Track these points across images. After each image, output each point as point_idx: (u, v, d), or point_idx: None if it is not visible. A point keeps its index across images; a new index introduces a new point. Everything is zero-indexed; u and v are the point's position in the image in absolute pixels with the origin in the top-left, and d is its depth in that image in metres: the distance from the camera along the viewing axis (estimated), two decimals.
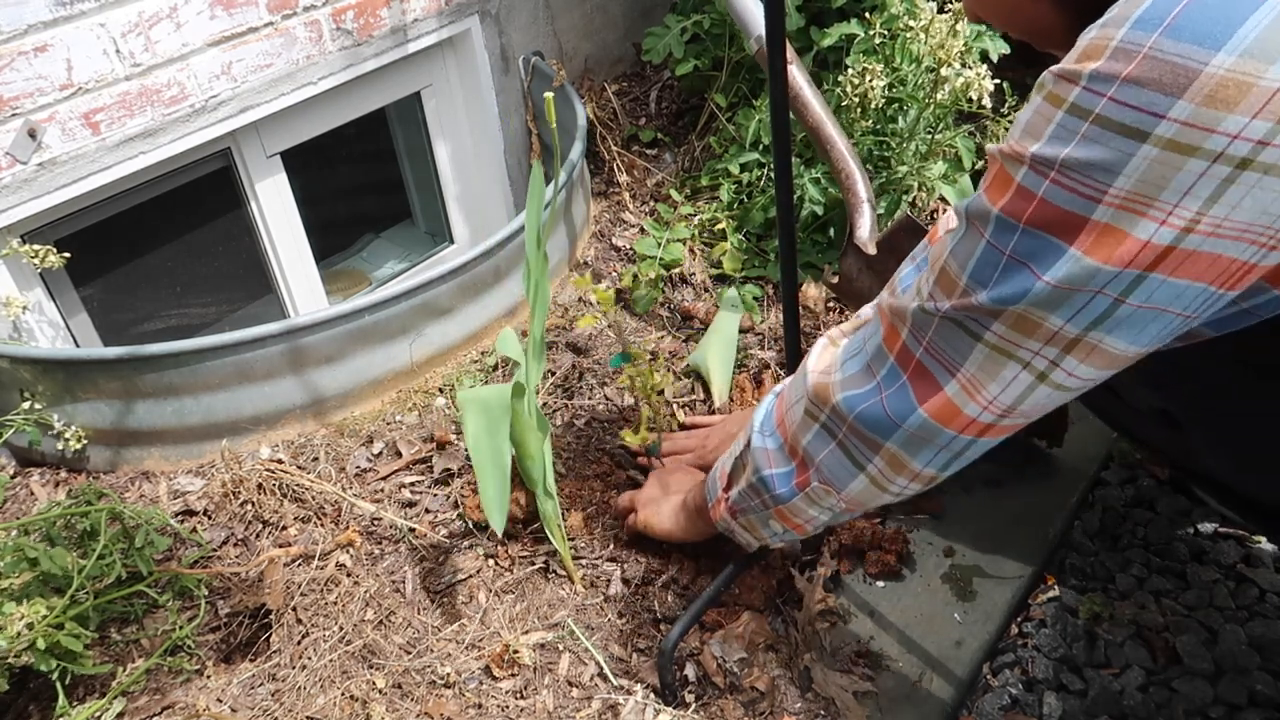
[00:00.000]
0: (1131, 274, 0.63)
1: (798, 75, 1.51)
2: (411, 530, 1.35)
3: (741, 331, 1.70)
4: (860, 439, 0.87)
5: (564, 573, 1.27)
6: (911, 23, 1.60)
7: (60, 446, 1.46)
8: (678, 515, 1.22)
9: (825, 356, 0.94)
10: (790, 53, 1.51)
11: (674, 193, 1.97)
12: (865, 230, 1.48)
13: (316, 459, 1.48)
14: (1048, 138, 0.64)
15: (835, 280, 1.53)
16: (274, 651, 1.21)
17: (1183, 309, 0.66)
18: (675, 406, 1.53)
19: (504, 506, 1.13)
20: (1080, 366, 0.71)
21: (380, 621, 1.23)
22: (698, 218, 1.89)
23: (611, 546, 1.31)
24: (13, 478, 1.50)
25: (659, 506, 1.25)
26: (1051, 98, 0.64)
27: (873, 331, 0.87)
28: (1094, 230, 0.63)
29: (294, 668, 1.19)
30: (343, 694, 1.15)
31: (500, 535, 1.21)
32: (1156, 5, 0.58)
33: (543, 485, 1.23)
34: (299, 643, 1.21)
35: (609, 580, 1.27)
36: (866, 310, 1.02)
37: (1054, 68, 0.64)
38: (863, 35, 1.76)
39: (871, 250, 1.45)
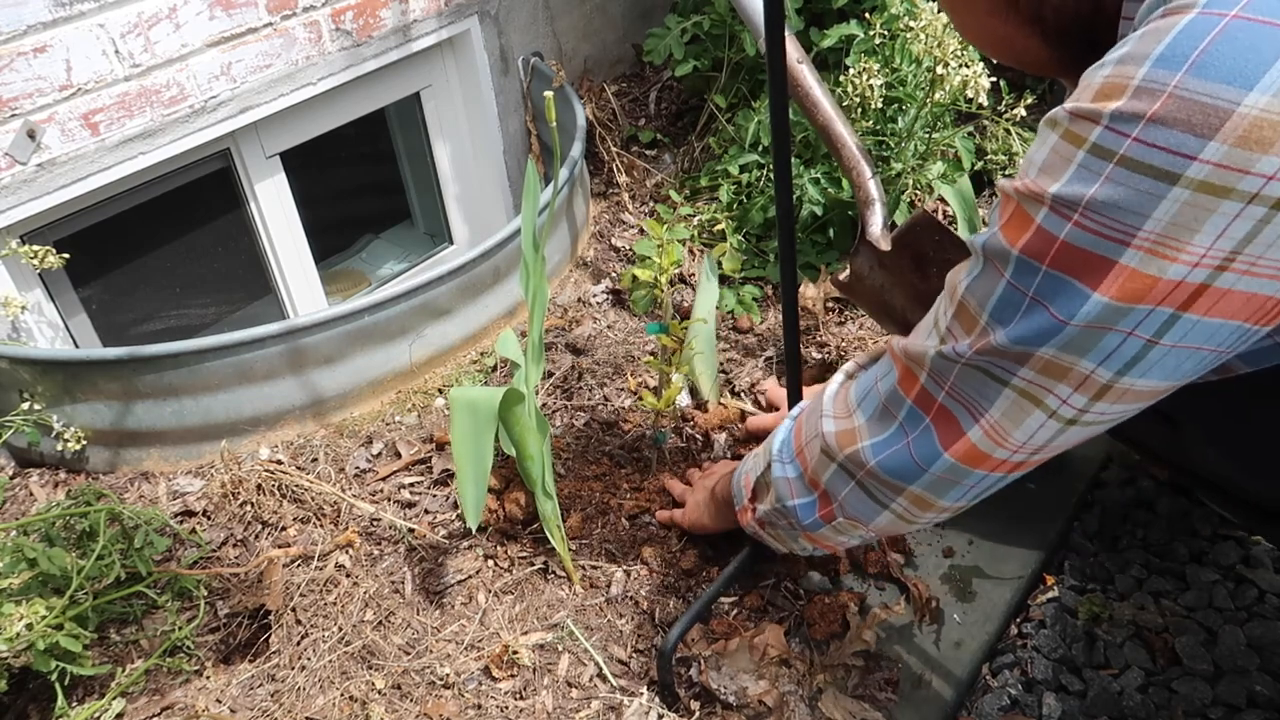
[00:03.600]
0: (1165, 313, 0.61)
1: (807, 74, 1.51)
2: (411, 531, 1.35)
3: (741, 332, 1.70)
4: (881, 483, 0.86)
5: (563, 573, 1.27)
6: (912, 23, 1.60)
7: (59, 447, 1.46)
8: (707, 505, 1.23)
9: (841, 397, 0.92)
10: (799, 51, 1.51)
11: (673, 193, 1.97)
12: (877, 227, 1.48)
13: (316, 460, 1.48)
14: (1068, 178, 0.61)
15: (844, 278, 1.53)
16: (273, 652, 1.21)
17: (1216, 345, 0.64)
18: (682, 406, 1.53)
19: (480, 507, 1.14)
20: (1112, 407, 0.69)
21: (379, 622, 1.23)
22: (697, 218, 1.89)
23: (611, 547, 1.31)
24: (12, 478, 1.50)
25: (696, 504, 1.26)
26: (1070, 136, 0.62)
27: (885, 372, 0.85)
28: (1121, 273, 0.61)
29: (293, 668, 1.19)
30: (342, 694, 1.15)
31: (475, 532, 1.22)
32: (1177, 43, 0.56)
33: (542, 485, 1.23)
34: (298, 643, 1.21)
35: (609, 581, 1.27)
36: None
37: (1067, 105, 0.62)
38: (862, 36, 1.76)
39: (885, 246, 1.45)
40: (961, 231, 1.60)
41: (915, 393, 0.80)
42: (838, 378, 0.96)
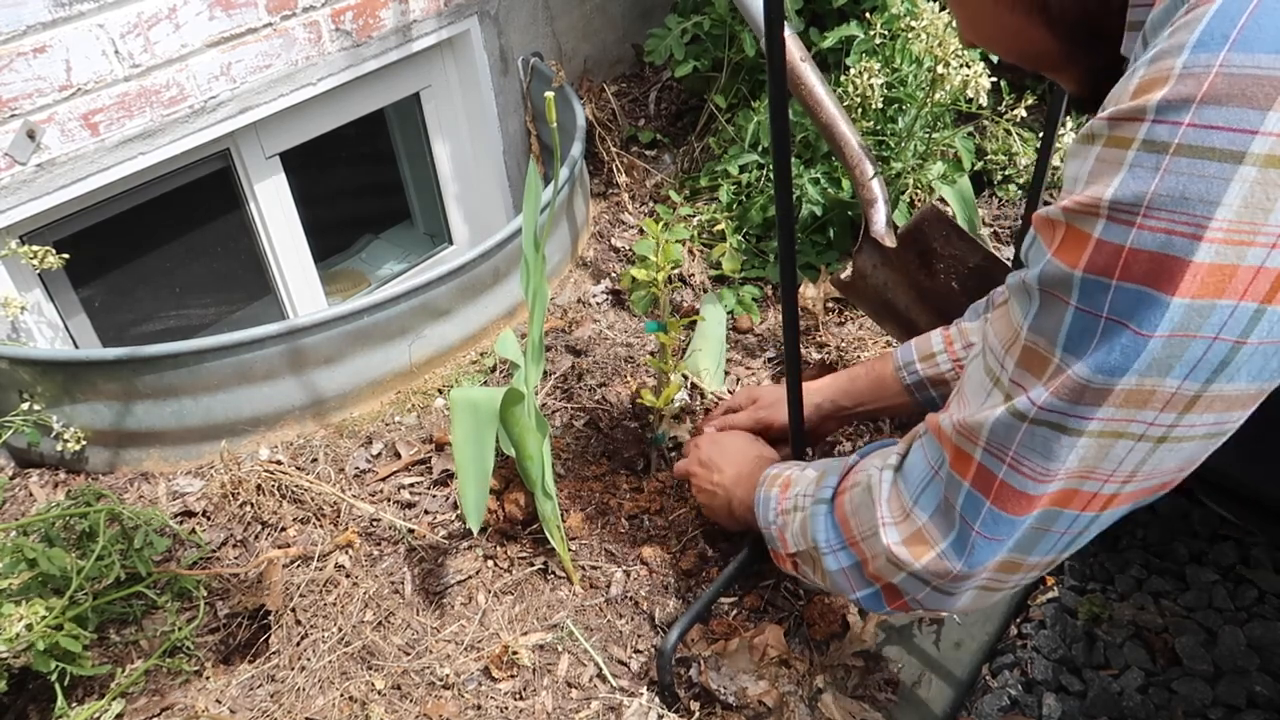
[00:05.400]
0: (1249, 308, 0.57)
1: (809, 73, 1.51)
2: (410, 531, 1.35)
3: (741, 332, 1.70)
4: (964, 579, 0.78)
5: (563, 574, 1.27)
6: (913, 23, 1.60)
7: (59, 447, 1.46)
8: (729, 513, 1.20)
9: (895, 497, 0.83)
10: (802, 50, 1.51)
11: (673, 193, 1.97)
12: (881, 225, 1.48)
13: (315, 460, 1.48)
14: (1122, 181, 0.58)
15: (846, 277, 1.52)
16: (273, 652, 1.21)
17: None
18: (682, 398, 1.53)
19: (481, 508, 1.14)
20: (1202, 417, 0.64)
21: (379, 623, 1.23)
22: (697, 218, 1.89)
23: (611, 547, 1.31)
24: (11, 479, 1.50)
25: (711, 506, 1.24)
26: (1115, 141, 0.58)
27: (938, 460, 0.78)
28: (1199, 270, 0.56)
29: (293, 669, 1.19)
30: (342, 695, 1.15)
31: (476, 534, 1.21)
32: (1212, 27, 0.54)
33: (541, 486, 1.23)
34: (298, 644, 1.21)
35: (609, 581, 1.27)
36: (919, 428, 0.89)
37: (1103, 115, 0.59)
38: (862, 36, 1.76)
39: (890, 243, 1.45)
40: None
41: (973, 473, 0.73)
42: (884, 475, 0.85)
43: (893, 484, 0.84)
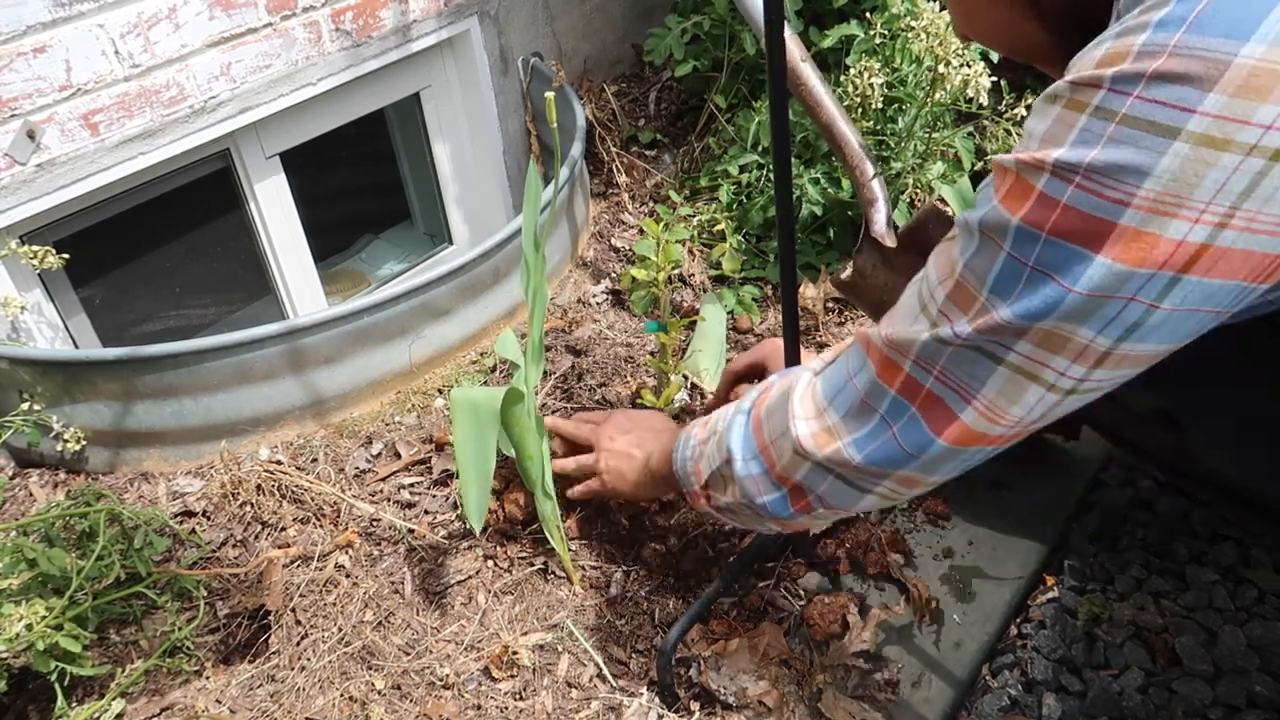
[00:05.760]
0: (1165, 276, 0.61)
1: (810, 73, 1.51)
2: (410, 531, 1.35)
3: (741, 332, 1.70)
4: (865, 474, 0.83)
5: (563, 574, 1.27)
6: (913, 23, 1.60)
7: (59, 447, 1.46)
8: (641, 480, 1.18)
9: (809, 396, 0.88)
10: (802, 49, 1.51)
11: (673, 194, 1.97)
12: (881, 225, 1.48)
13: (315, 460, 1.48)
14: (1071, 143, 0.62)
15: (846, 277, 1.52)
16: (273, 652, 1.21)
17: (1215, 306, 0.64)
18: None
19: (483, 508, 1.14)
20: (1110, 374, 0.69)
21: (379, 623, 1.23)
22: (697, 219, 1.89)
23: (611, 547, 1.31)
24: (11, 479, 1.50)
25: (620, 472, 1.21)
26: (1073, 104, 0.62)
27: (859, 366, 0.82)
28: (1123, 235, 0.61)
29: (293, 669, 1.19)
30: (342, 695, 1.15)
31: (478, 534, 1.21)
32: (1175, 10, 0.57)
33: (541, 486, 1.23)
34: (298, 644, 1.21)
35: (608, 581, 1.27)
36: (849, 340, 0.95)
37: (1070, 77, 0.63)
38: (862, 36, 1.76)
39: (890, 243, 1.45)
40: None
41: (900, 382, 0.78)
42: (804, 376, 0.92)
43: (809, 384, 0.89)
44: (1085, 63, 0.62)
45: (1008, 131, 1.94)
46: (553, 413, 1.54)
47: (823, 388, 0.87)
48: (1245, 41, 0.55)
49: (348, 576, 1.29)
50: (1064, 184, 0.62)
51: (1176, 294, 0.62)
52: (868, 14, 1.76)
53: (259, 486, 1.41)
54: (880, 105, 1.64)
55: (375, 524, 1.37)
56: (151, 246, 1.80)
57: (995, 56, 1.67)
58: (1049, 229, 0.63)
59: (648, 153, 2.19)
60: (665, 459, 1.11)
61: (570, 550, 1.30)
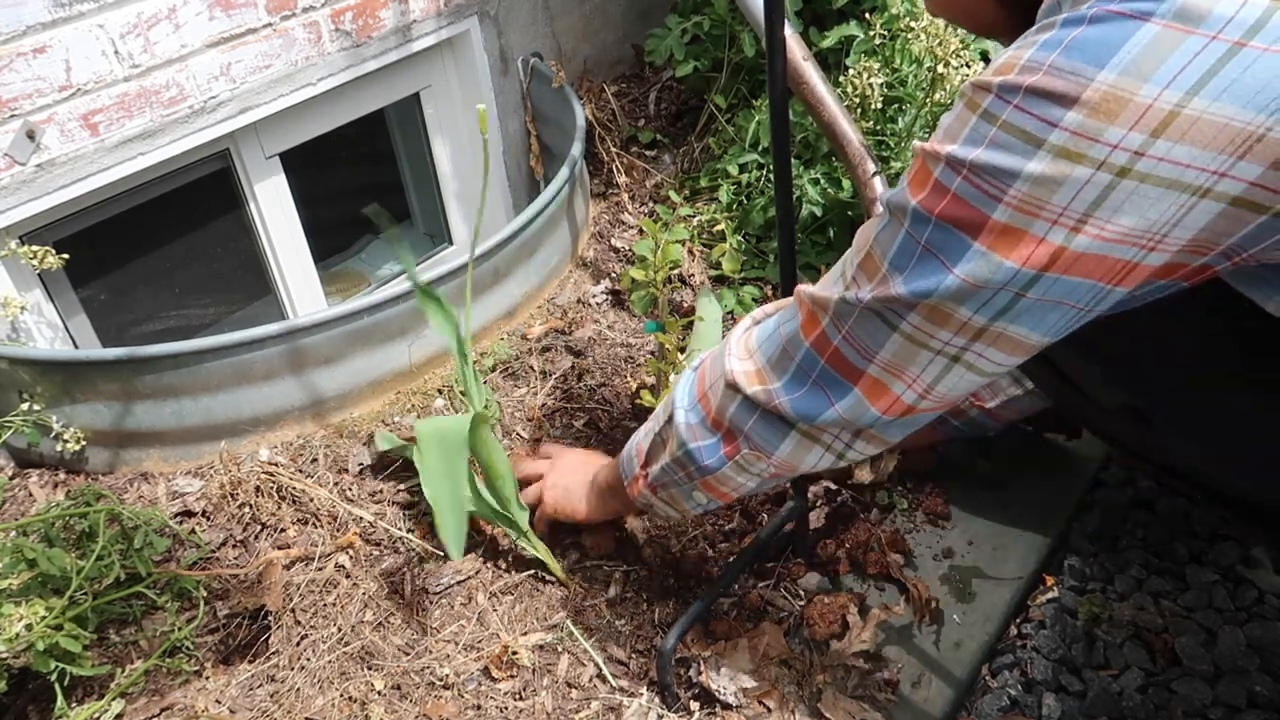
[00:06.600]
0: (1029, 273, 0.69)
1: (811, 72, 1.51)
2: (410, 531, 1.35)
3: None
4: (783, 416, 0.90)
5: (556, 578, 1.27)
6: (913, 23, 1.60)
7: (59, 448, 1.46)
8: (589, 497, 1.24)
9: (744, 339, 0.97)
10: (804, 49, 1.51)
11: (673, 194, 1.97)
12: None
13: (315, 460, 1.48)
14: (962, 140, 0.70)
15: None
16: (273, 653, 1.21)
17: (1077, 302, 0.72)
18: None
19: (462, 537, 1.15)
20: (989, 350, 0.77)
21: (379, 623, 1.23)
22: (697, 219, 1.89)
23: (610, 548, 1.31)
24: (11, 479, 1.50)
25: (567, 490, 1.26)
26: (970, 104, 0.70)
27: (789, 317, 0.90)
28: (995, 228, 0.69)
29: (293, 669, 1.19)
30: (341, 695, 1.15)
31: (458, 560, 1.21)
32: (1059, 32, 0.65)
33: (516, 501, 1.24)
34: (298, 644, 1.21)
35: (608, 581, 1.27)
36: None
37: (973, 78, 0.71)
38: (862, 36, 1.76)
39: None
40: None
41: (815, 336, 0.86)
42: (745, 323, 1.00)
43: (746, 329, 0.98)
44: (992, 65, 0.70)
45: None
46: (553, 413, 1.54)
47: (757, 334, 0.95)
48: (1101, 69, 0.62)
49: (347, 577, 1.29)
50: (954, 175, 0.70)
51: (1040, 286, 0.70)
52: (867, 14, 1.76)
53: (258, 487, 1.41)
54: (880, 105, 1.64)
55: (375, 524, 1.37)
56: (151, 247, 1.80)
57: (995, 56, 1.67)
58: (938, 213, 0.72)
59: (648, 153, 2.19)
60: (612, 469, 1.18)
61: (570, 551, 1.30)
